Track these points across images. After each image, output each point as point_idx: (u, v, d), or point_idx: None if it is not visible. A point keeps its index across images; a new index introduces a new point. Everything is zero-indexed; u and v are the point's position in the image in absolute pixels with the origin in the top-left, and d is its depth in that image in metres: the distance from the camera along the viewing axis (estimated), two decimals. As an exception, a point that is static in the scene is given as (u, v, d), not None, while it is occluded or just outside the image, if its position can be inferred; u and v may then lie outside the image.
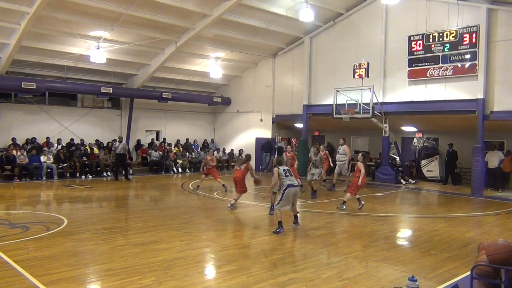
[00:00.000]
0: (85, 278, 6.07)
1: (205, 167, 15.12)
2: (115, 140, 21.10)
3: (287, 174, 9.08)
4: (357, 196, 11.80)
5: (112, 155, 18.27)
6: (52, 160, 17.87)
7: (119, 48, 18.72)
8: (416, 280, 4.67)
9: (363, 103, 17.01)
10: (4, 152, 17.03)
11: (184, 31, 18.34)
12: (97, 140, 20.87)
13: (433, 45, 16.57)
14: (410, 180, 18.35)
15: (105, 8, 15.55)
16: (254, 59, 23.38)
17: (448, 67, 16.29)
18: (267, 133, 23.25)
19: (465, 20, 15.94)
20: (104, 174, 19.03)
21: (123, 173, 18.21)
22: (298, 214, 9.52)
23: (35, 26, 15.61)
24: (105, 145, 20.79)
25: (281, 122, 23.45)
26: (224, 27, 18.81)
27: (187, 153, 22.76)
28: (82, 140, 20.20)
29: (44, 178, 17.18)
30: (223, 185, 14.73)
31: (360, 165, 11.69)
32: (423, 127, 19.90)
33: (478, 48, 15.50)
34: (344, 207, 11.72)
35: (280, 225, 8.79)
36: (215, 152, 17.41)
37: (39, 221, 9.54)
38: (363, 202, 11.78)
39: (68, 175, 18.05)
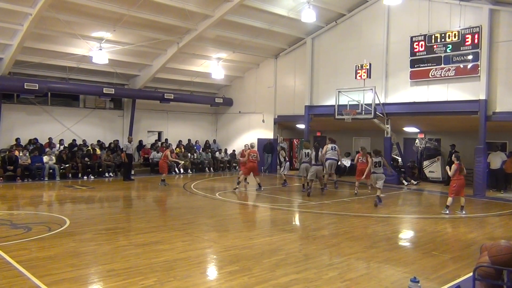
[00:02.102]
0: (87, 278, 6.08)
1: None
2: (117, 140, 21.25)
3: (377, 165, 12.67)
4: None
5: (124, 155, 18.21)
6: (54, 160, 17.90)
7: (121, 49, 18.76)
8: (418, 281, 4.67)
9: (365, 104, 16.99)
10: (7, 152, 17.07)
11: (186, 32, 18.36)
12: (98, 141, 20.90)
13: (435, 46, 16.54)
14: (412, 181, 18.32)
15: (107, 9, 15.58)
16: (256, 60, 23.39)
17: (450, 68, 16.26)
18: (269, 134, 23.25)
19: (467, 20, 15.91)
20: (106, 174, 19.06)
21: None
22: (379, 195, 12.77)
23: (37, 27, 15.65)
24: (107, 145, 20.82)
25: (283, 123, 23.45)
26: (226, 28, 18.83)
27: (189, 154, 22.77)
28: (84, 140, 20.23)
29: (46, 179, 17.22)
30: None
31: (453, 167, 11.37)
32: (425, 128, 19.86)
33: (481, 49, 15.47)
34: (448, 211, 11.40)
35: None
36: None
37: (41, 222, 9.56)
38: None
39: (70, 175, 18.09)
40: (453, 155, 11.98)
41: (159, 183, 16.64)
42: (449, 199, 11.46)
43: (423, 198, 15.44)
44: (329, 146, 15.71)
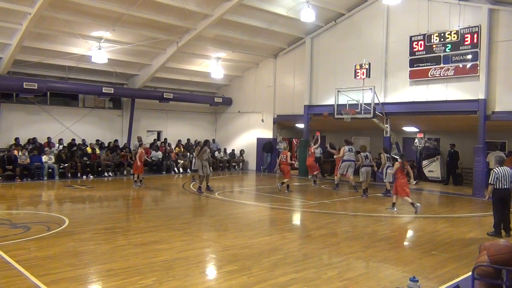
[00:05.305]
0: (86, 278, 6.07)
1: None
2: (116, 140, 21.24)
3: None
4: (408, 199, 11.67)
5: (134, 155, 18.43)
6: (53, 160, 17.89)
7: (120, 48, 18.75)
8: (417, 281, 4.67)
9: (364, 104, 16.98)
10: (6, 152, 17.05)
11: (186, 32, 18.35)
12: (98, 140, 20.88)
13: (434, 46, 16.53)
14: (411, 180, 18.28)
15: (107, 9, 15.57)
16: (256, 59, 23.38)
17: (449, 67, 16.26)
18: (268, 134, 23.25)
19: (466, 20, 15.92)
20: (106, 174, 19.06)
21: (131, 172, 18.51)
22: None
23: (36, 27, 15.64)
24: (106, 145, 20.81)
25: (282, 123, 23.45)
26: (225, 28, 18.82)
27: (188, 154, 22.76)
28: (83, 140, 20.22)
29: (45, 178, 17.21)
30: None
31: (396, 164, 11.83)
32: (425, 128, 19.87)
33: (480, 49, 15.46)
34: (395, 209, 11.90)
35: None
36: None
37: (40, 221, 9.56)
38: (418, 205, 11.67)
39: (69, 175, 18.08)
40: (399, 154, 12.18)
41: (138, 184, 15.97)
42: (407, 199, 11.65)
43: (422, 198, 15.44)
44: (346, 148, 15.87)
